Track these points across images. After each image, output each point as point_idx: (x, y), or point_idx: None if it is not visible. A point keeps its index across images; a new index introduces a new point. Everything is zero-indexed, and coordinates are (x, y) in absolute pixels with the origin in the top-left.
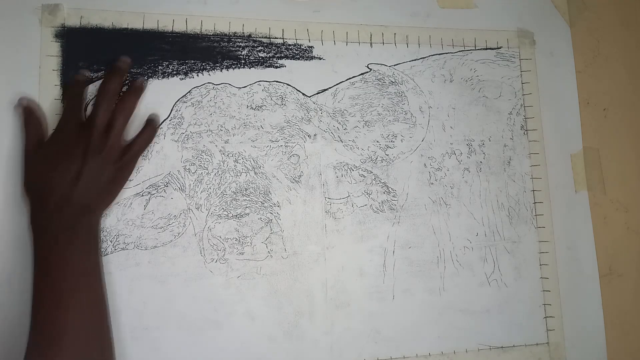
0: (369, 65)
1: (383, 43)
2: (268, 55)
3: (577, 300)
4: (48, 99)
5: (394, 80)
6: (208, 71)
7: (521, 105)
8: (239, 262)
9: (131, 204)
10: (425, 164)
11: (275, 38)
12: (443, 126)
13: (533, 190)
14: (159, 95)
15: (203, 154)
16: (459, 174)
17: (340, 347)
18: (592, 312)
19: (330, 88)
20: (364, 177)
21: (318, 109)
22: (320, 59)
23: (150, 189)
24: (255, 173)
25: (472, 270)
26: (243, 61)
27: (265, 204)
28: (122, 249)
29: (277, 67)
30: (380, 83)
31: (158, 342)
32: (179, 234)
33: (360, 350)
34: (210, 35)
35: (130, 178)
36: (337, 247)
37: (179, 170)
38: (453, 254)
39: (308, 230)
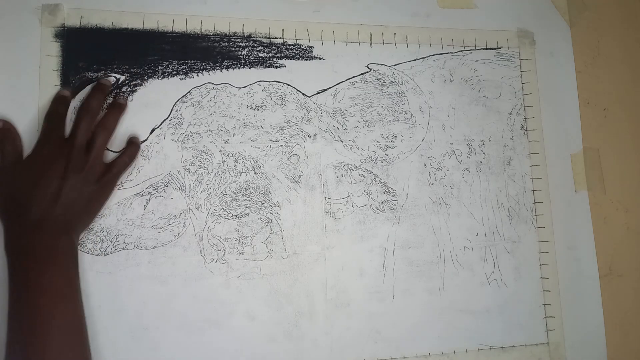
0: (369, 65)
1: (383, 43)
2: (268, 55)
3: (577, 300)
4: (48, 99)
5: (394, 80)
6: (208, 71)
7: (521, 105)
8: (239, 262)
9: (131, 204)
10: (425, 164)
11: (275, 38)
12: (443, 126)
13: (533, 190)
14: (159, 95)
15: (203, 154)
16: (459, 174)
17: (340, 347)
18: (592, 312)
19: (330, 88)
20: (364, 177)
21: (318, 109)
22: (320, 59)
23: (150, 189)
24: (255, 173)
25: (472, 270)
26: (243, 61)
27: (265, 204)
28: (122, 249)
29: (277, 67)
30: (380, 83)
31: (158, 342)
32: (179, 234)
33: (360, 351)
34: (210, 35)
35: (130, 178)
36: (337, 247)
37: (179, 170)
38: (453, 254)
39: (308, 230)
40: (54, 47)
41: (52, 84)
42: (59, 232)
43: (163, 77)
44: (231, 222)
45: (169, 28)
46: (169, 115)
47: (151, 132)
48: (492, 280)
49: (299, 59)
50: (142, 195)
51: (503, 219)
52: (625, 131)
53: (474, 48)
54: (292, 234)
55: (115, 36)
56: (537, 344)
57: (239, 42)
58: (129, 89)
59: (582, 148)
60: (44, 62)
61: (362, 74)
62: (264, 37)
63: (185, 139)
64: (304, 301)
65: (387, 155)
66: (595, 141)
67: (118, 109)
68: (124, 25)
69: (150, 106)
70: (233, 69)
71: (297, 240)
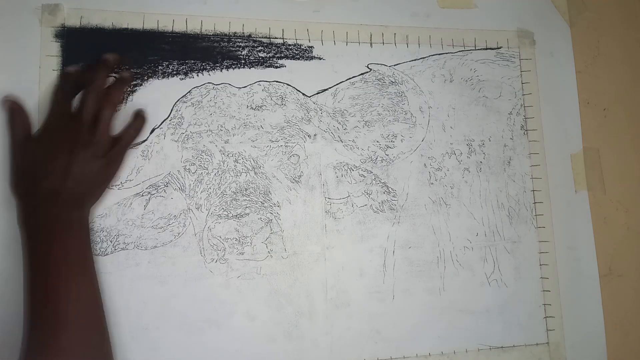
0: (369, 65)
1: (383, 43)
2: (268, 55)
3: (577, 300)
4: (48, 98)
5: (394, 80)
6: (208, 71)
7: (521, 105)
8: (239, 262)
9: (131, 204)
10: (425, 164)
11: (275, 38)
12: (443, 126)
13: (533, 190)
14: (159, 95)
15: (203, 154)
16: (459, 174)
17: (340, 347)
18: (592, 312)
19: (330, 88)
20: (364, 177)
21: (318, 109)
22: (320, 59)
23: (150, 189)
24: (255, 173)
25: (472, 270)
26: (243, 61)
27: (265, 204)
28: (122, 249)
29: (277, 67)
30: (380, 83)
31: (158, 342)
32: (179, 234)
33: (360, 351)
34: (210, 35)
35: (130, 178)
36: (337, 247)
37: (179, 170)
38: (453, 254)
39: (308, 230)
40: (54, 47)
41: (52, 84)
42: (72, 206)
43: (163, 77)
44: (231, 222)
45: (169, 28)
46: (169, 115)
47: (151, 132)
48: (492, 280)
49: (299, 59)
50: (142, 195)
51: (503, 219)
52: (625, 131)
53: (474, 48)
54: (292, 234)
55: (115, 36)
56: (537, 344)
57: (239, 42)
58: (129, 89)
59: (582, 148)
60: (44, 62)
61: (362, 74)
62: (264, 37)
63: (185, 139)
64: (304, 301)
65: (387, 155)
66: (595, 141)
67: (123, 82)
68: (124, 25)
69: (150, 106)
70: (233, 69)
71: (297, 240)
